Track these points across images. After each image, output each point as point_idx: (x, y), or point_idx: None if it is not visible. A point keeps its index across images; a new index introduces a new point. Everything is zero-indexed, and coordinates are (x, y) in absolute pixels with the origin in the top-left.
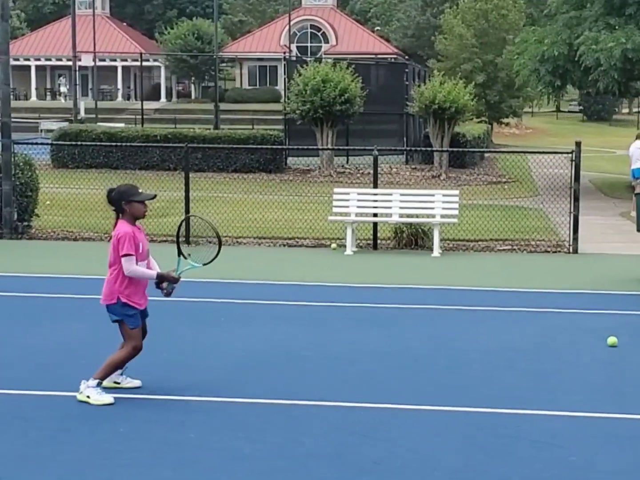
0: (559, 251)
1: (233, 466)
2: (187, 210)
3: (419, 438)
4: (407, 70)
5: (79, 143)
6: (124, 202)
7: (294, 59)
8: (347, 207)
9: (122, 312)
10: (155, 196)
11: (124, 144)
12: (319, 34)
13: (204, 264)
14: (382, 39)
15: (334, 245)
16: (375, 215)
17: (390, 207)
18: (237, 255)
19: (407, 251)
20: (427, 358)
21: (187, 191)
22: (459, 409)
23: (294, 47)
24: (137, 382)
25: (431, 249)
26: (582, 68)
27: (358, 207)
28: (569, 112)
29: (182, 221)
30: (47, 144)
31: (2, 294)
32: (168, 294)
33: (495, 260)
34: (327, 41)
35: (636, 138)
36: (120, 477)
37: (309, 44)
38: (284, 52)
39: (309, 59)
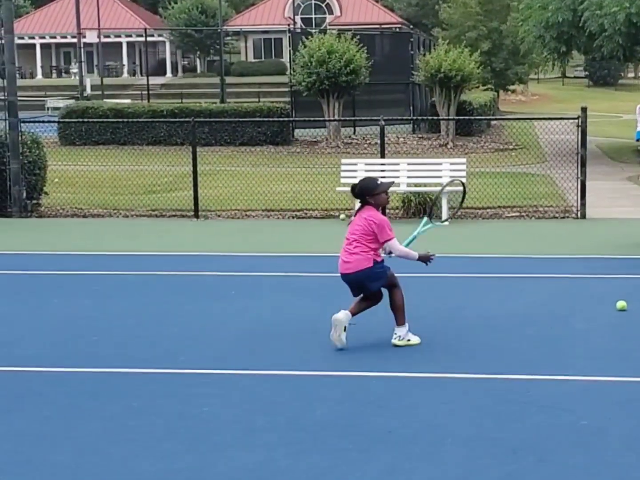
0: (567, 217)
1: (247, 439)
2: (195, 185)
3: (430, 406)
4: (412, 39)
5: (86, 120)
6: (368, 197)
7: (299, 31)
8: (355, 177)
9: (380, 269)
10: (392, 183)
11: (130, 120)
12: (323, 5)
13: (443, 221)
14: (386, 8)
15: (342, 216)
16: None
17: (398, 177)
18: (246, 228)
19: (415, 220)
20: (437, 326)
21: (194, 165)
22: (469, 375)
23: (298, 19)
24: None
25: (440, 217)
26: (586, 33)
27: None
28: (574, 77)
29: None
30: (54, 121)
31: (12, 272)
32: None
33: (503, 227)
34: (331, 12)
35: None
36: (134, 452)
37: (313, 16)
38: (289, 25)
39: (313, 30)
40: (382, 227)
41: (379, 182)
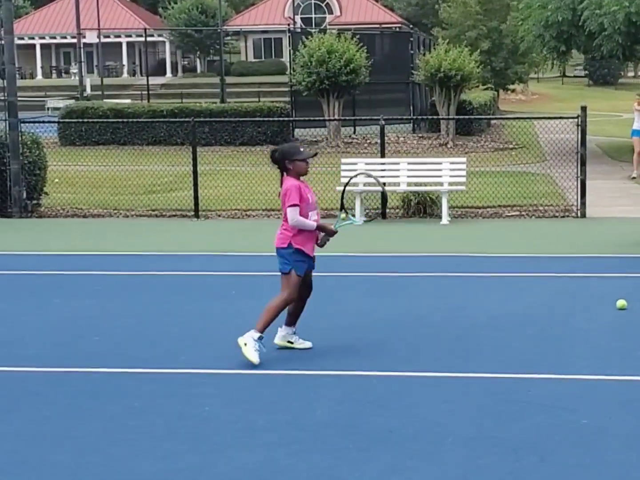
0: (567, 216)
1: (248, 438)
2: (195, 185)
3: (431, 406)
4: (411, 39)
5: (85, 120)
6: (287, 161)
7: (299, 30)
8: (356, 177)
9: (292, 258)
10: (316, 154)
11: (130, 120)
12: (322, 4)
13: (365, 221)
14: (386, 8)
15: (342, 216)
16: (383, 184)
17: (398, 176)
18: (246, 228)
19: (415, 219)
20: (438, 326)
21: (194, 165)
22: (470, 375)
23: (298, 18)
24: (308, 344)
25: (440, 217)
26: (586, 33)
27: (366, 176)
28: (574, 77)
29: (351, 178)
30: (54, 122)
31: (13, 272)
32: (321, 245)
33: (503, 226)
34: (331, 12)
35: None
36: (134, 452)
37: (313, 15)
38: (289, 24)
39: (313, 30)
40: (287, 193)
41: (302, 149)
